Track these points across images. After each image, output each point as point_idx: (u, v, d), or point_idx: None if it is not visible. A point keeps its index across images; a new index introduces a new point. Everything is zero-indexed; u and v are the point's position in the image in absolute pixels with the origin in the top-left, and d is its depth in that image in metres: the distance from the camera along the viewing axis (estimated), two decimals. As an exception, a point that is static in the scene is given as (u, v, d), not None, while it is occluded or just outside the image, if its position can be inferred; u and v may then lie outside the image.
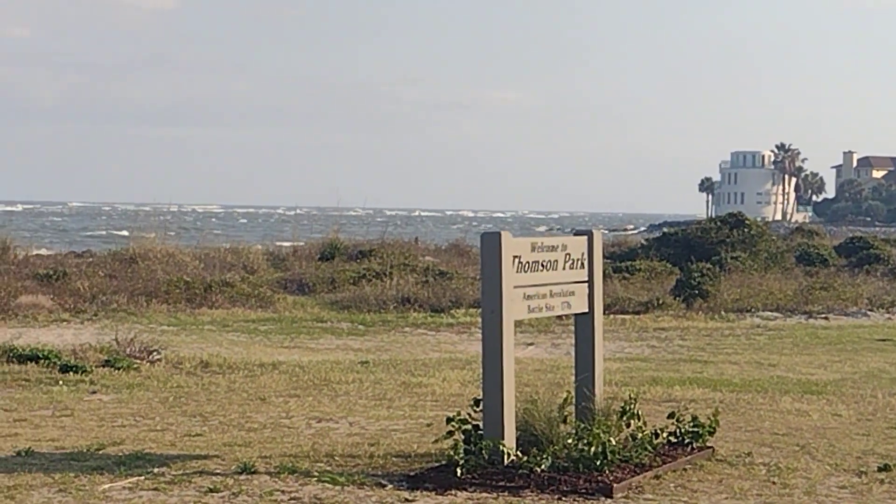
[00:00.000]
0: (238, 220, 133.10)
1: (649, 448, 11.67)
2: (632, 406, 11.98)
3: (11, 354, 18.92)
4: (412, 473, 11.26)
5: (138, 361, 19.09)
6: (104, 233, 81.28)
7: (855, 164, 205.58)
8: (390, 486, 10.97)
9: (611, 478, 10.93)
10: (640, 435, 11.78)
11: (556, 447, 11.29)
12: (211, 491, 10.70)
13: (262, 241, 45.53)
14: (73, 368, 18.17)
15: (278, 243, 42.36)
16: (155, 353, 19.67)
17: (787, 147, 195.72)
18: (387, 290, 31.18)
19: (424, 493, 10.72)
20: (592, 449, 11.08)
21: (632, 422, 11.94)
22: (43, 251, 42.71)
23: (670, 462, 11.69)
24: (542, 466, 11.00)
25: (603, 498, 10.59)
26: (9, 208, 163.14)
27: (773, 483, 11.28)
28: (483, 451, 11.12)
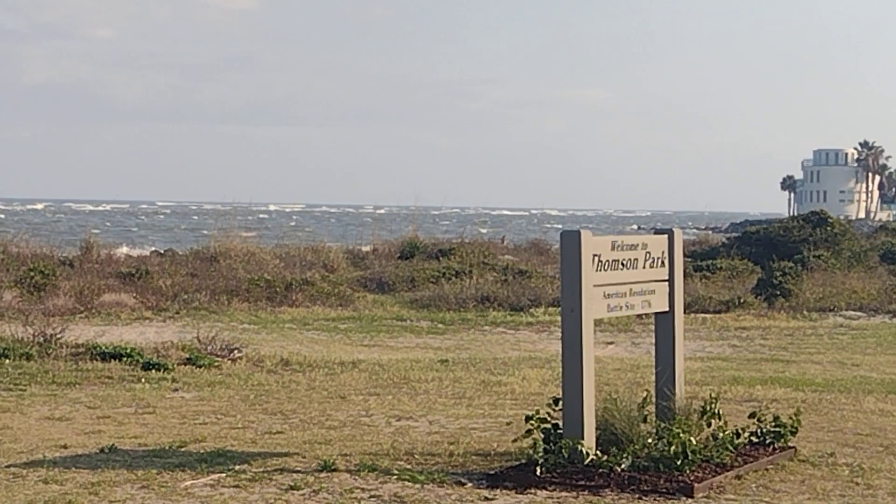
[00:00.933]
0: (328, 219, 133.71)
1: (730, 448, 11.58)
2: (712, 405, 11.89)
3: (95, 352, 19.12)
4: (492, 472, 11.25)
5: (219, 359, 19.22)
6: (191, 232, 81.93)
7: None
8: (470, 484, 10.96)
9: (691, 478, 10.86)
10: (720, 435, 11.69)
11: (636, 446, 11.24)
12: (291, 488, 10.75)
13: (342, 240, 45.69)
14: (156, 366, 18.33)
15: (359, 242, 42.49)
16: (236, 351, 19.80)
17: (870, 144, 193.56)
18: (466, 289, 31.19)
19: (504, 491, 10.70)
20: (673, 448, 11.02)
21: (713, 421, 11.86)
22: (125, 250, 43.10)
23: (752, 462, 11.60)
24: (622, 466, 10.95)
25: (684, 498, 10.53)
26: (98, 208, 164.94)
27: (857, 484, 11.16)
28: (563, 450, 11.08)
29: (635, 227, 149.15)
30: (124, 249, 40.17)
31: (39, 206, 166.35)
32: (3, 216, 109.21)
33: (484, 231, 55.50)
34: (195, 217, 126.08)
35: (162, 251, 42.97)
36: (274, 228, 76.97)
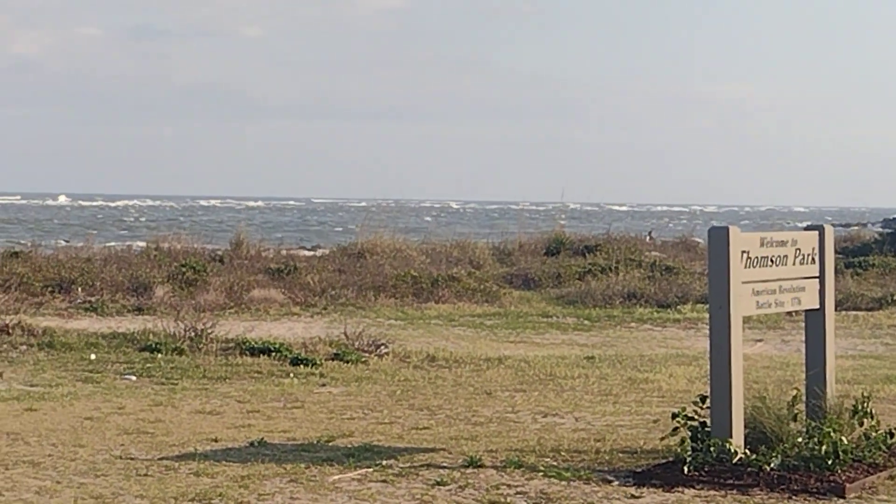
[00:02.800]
0: (475, 215, 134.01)
1: (883, 448, 11.37)
2: (864, 404, 11.68)
3: (244, 347, 19.38)
4: (638, 469, 11.19)
5: (366, 355, 19.36)
6: (340, 228, 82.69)
7: None
8: (616, 481, 10.91)
9: (843, 478, 10.68)
10: (873, 434, 11.48)
11: (785, 445, 11.09)
12: (438, 484, 10.79)
13: (488, 236, 45.75)
14: (304, 361, 18.53)
15: (505, 238, 42.48)
16: (383, 347, 19.92)
17: None
18: (612, 285, 31.02)
19: (651, 489, 10.63)
20: (823, 448, 10.85)
21: (865, 421, 11.64)
22: (271, 246, 43.54)
23: (905, 463, 11.37)
24: (772, 465, 10.82)
25: (835, 498, 10.37)
26: (252, 203, 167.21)
27: None
28: (710, 449, 10.98)
29: (803, 223, 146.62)
30: (272, 246, 40.40)
31: (204, 203, 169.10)
32: (182, 218, 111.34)
33: (631, 226, 55.12)
34: (342, 213, 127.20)
35: (309, 247, 43.41)
36: (423, 224, 77.35)
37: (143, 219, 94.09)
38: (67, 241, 43.83)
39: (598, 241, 40.50)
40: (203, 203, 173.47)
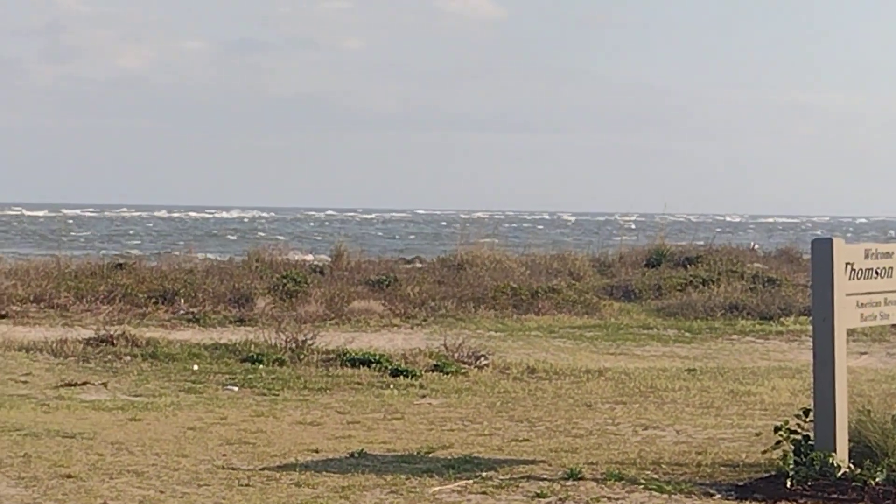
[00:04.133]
0: (572, 226, 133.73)
1: None
2: (973, 418, 11.49)
3: (345, 358, 19.47)
4: (740, 483, 11.09)
5: (466, 366, 19.37)
6: (440, 239, 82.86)
7: None
8: (718, 495, 10.82)
9: (950, 493, 10.52)
10: (981, 449, 11.28)
11: (891, 460, 10.94)
12: (538, 496, 10.77)
13: (587, 247, 45.59)
14: (404, 372, 18.57)
15: (604, 250, 42.30)
16: (482, 359, 19.92)
17: None
18: (714, 297, 30.77)
19: (753, 503, 10.53)
20: (930, 462, 10.69)
21: (973, 435, 11.45)
22: (371, 258, 43.70)
23: None
24: (877, 479, 10.67)
25: (941, 514, 10.20)
26: (351, 214, 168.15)
27: None
28: (814, 463, 10.85)
29: None
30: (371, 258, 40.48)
31: (313, 214, 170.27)
32: (281, 228, 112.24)
33: (734, 237, 54.66)
34: (443, 223, 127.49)
35: (409, 258, 43.52)
36: (520, 236, 77.29)
37: (240, 229, 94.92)
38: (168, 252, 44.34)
39: (699, 252, 40.18)
40: (309, 213, 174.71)
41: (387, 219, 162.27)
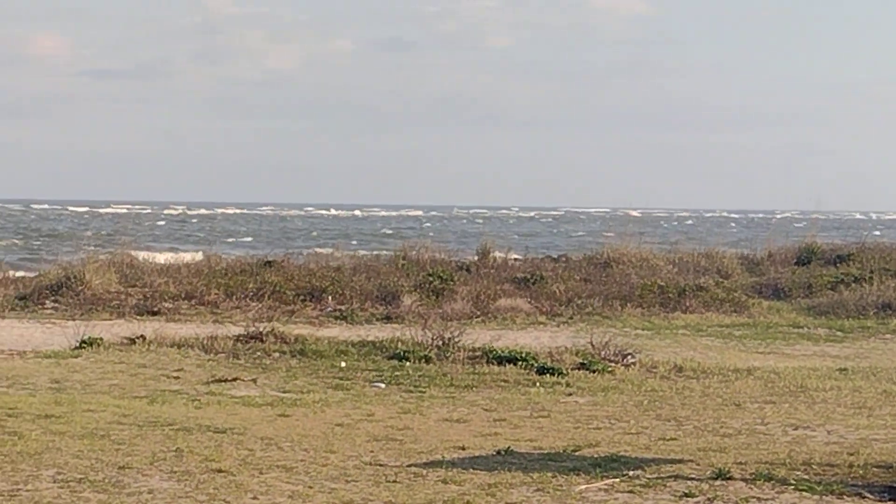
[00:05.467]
0: (725, 223, 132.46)
1: None
2: None
3: (491, 356, 19.49)
4: (894, 485, 10.88)
5: (613, 365, 19.28)
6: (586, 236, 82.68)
7: None
8: (870, 497, 10.63)
9: None
10: None
11: None
12: (685, 496, 10.67)
13: (736, 245, 45.12)
14: (550, 370, 18.54)
15: (753, 248, 41.80)
16: (629, 357, 19.81)
17: None
18: (866, 296, 30.24)
19: (907, 506, 10.33)
20: None
21: None
22: (516, 255, 43.66)
23: None
24: None
25: None
26: (504, 212, 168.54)
27: None
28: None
29: None
30: (502, 254, 40.19)
31: (426, 213, 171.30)
32: (428, 223, 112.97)
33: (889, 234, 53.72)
34: (582, 221, 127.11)
35: (555, 256, 43.44)
36: (668, 233, 76.77)
37: (388, 230, 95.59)
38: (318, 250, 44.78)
39: (850, 250, 39.53)
40: (457, 212, 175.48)
41: (533, 217, 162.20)
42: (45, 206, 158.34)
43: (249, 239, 77.67)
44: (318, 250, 42.23)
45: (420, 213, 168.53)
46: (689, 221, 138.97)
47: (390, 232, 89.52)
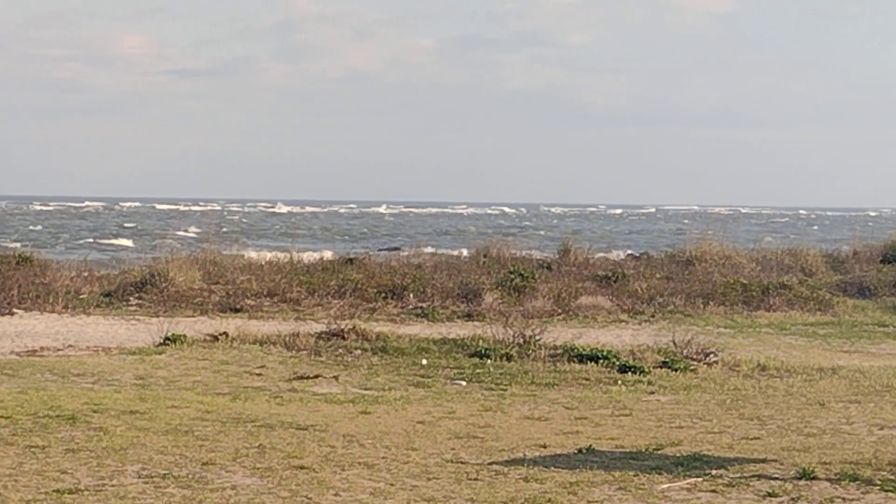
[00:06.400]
0: (805, 221, 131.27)
1: None
2: None
3: (572, 354, 19.44)
4: (982, 486, 10.72)
5: (695, 363, 19.16)
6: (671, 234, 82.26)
7: None
8: (958, 498, 10.48)
9: None
10: None
11: None
12: (769, 495, 10.58)
13: (821, 243, 44.75)
14: (632, 369, 18.46)
15: (838, 245, 41.44)
16: (712, 355, 19.69)
17: None
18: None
19: None
20: None
21: None
22: (601, 254, 43.52)
23: None
24: None
25: None
26: (592, 210, 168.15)
27: None
28: None
29: None
30: (601, 254, 40.13)
31: (507, 210, 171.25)
32: (512, 221, 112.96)
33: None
34: (659, 219, 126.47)
35: (637, 254, 43.26)
36: (743, 231, 76.23)
37: (472, 228, 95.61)
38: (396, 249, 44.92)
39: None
40: (544, 209, 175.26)
41: (612, 214, 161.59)
42: (137, 204, 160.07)
43: (339, 237, 78.12)
44: (428, 249, 42.08)
45: (507, 209, 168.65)
46: (784, 219, 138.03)
47: (474, 229, 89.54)
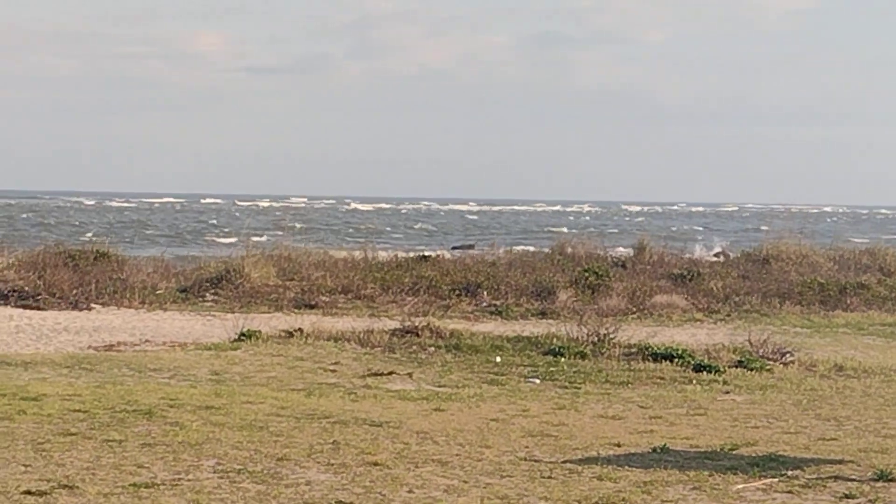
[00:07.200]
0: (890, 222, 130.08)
1: None
2: None
3: (647, 353, 19.36)
4: None
5: (771, 363, 19.02)
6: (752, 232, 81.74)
7: None
8: None
9: None
10: None
11: None
12: (846, 497, 10.49)
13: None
14: (707, 368, 18.35)
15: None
16: (788, 355, 19.53)
17: None
18: None
19: None
20: None
21: None
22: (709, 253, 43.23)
23: None
24: None
25: None
26: (670, 208, 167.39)
27: None
28: None
29: None
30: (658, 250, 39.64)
31: (586, 208, 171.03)
32: (588, 218, 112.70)
33: None
34: (733, 219, 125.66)
35: (712, 253, 42.99)
36: (826, 232, 75.59)
37: (550, 225, 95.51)
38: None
39: None
40: (624, 208, 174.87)
41: (690, 212, 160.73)
42: (220, 201, 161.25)
43: (428, 230, 78.30)
44: (503, 246, 41.94)
45: (587, 207, 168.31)
46: (864, 218, 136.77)
47: (550, 227, 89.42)
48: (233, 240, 51.64)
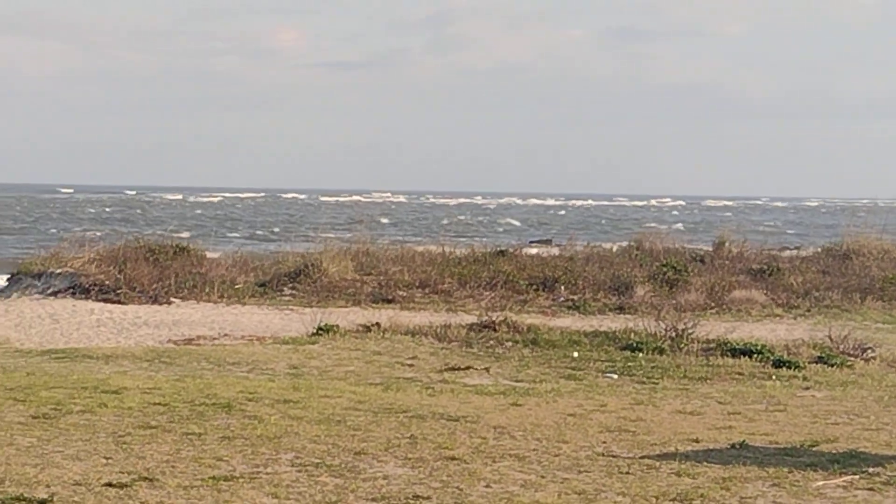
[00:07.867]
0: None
1: None
2: None
3: (725, 348, 19.24)
4: None
5: (852, 359, 18.85)
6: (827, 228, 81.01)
7: None
8: None
9: None
10: None
11: None
12: (927, 495, 10.36)
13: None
14: (786, 364, 18.21)
15: None
16: (869, 351, 19.35)
17: None
18: None
19: None
20: None
21: None
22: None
23: None
24: None
25: None
26: (754, 203, 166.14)
27: None
28: None
29: None
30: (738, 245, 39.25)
31: (668, 202, 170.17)
32: (676, 213, 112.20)
33: None
34: (805, 213, 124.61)
35: (791, 247, 42.63)
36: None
37: (633, 219, 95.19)
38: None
39: None
40: (708, 202, 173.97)
41: (770, 207, 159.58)
42: (303, 196, 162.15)
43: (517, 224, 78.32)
44: (580, 241, 41.79)
45: (669, 201, 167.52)
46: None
47: (630, 221, 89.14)
48: (312, 234, 51.87)
